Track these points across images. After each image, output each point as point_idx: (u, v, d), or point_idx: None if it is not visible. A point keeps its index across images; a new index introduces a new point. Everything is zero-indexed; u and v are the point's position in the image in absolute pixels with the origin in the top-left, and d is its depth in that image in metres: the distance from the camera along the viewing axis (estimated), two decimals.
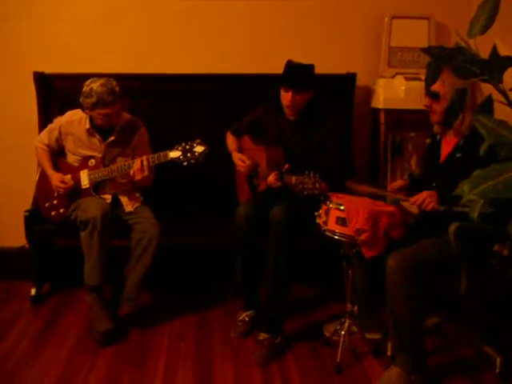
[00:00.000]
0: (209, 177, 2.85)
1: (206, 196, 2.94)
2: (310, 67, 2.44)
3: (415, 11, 3.00)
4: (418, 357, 2.03)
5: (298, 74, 2.43)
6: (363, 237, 2.05)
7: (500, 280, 2.06)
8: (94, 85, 2.48)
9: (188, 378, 2.17)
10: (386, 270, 2.00)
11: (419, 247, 2.02)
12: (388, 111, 2.97)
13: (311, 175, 2.19)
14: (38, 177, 2.78)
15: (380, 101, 2.99)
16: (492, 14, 1.25)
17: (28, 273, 2.88)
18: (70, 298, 2.87)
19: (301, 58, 2.46)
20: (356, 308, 2.31)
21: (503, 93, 1.24)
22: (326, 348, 2.38)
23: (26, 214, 2.68)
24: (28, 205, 2.76)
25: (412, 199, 2.07)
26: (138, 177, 2.51)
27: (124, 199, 2.67)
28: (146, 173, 2.50)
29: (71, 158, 2.70)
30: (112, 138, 2.63)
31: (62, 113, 2.79)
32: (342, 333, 2.27)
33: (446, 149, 2.19)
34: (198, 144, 2.49)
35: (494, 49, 1.22)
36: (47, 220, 2.69)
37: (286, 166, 2.36)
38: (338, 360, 2.22)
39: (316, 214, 2.23)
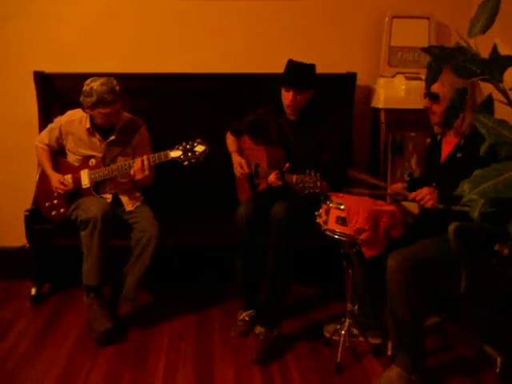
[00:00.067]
0: (209, 176, 2.85)
1: (207, 195, 2.94)
2: (311, 67, 2.45)
3: (415, 11, 3.00)
4: (418, 356, 2.03)
5: (299, 74, 2.43)
6: (363, 236, 2.05)
7: (500, 280, 2.06)
8: (95, 84, 2.48)
9: (188, 377, 2.17)
10: (386, 270, 2.00)
11: (419, 247, 2.02)
12: (388, 111, 2.97)
13: (312, 174, 2.20)
14: (38, 176, 2.78)
15: (380, 100, 2.99)
16: (492, 13, 1.26)
17: (28, 272, 2.88)
18: (70, 298, 2.87)
19: (301, 58, 2.46)
20: (356, 308, 2.31)
21: (503, 92, 1.24)
22: (326, 348, 2.38)
23: (27, 213, 2.68)
24: (28, 204, 2.76)
25: (412, 194, 2.08)
26: (139, 176, 2.51)
27: (124, 199, 2.67)
28: (146, 172, 2.50)
29: (71, 158, 2.70)
30: (112, 138, 2.63)
31: (62, 112, 2.78)
32: (342, 332, 2.28)
33: (446, 149, 2.19)
34: (199, 143, 2.49)
35: (495, 48, 1.22)
36: (47, 220, 2.69)
37: (287, 165, 2.36)
38: (339, 360, 2.21)
39: (316, 213, 2.23)
